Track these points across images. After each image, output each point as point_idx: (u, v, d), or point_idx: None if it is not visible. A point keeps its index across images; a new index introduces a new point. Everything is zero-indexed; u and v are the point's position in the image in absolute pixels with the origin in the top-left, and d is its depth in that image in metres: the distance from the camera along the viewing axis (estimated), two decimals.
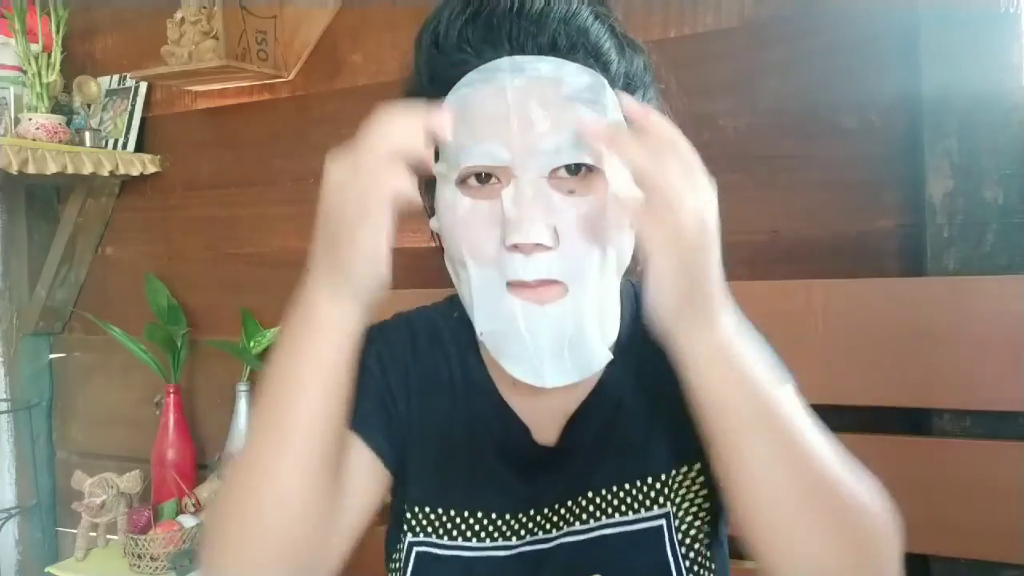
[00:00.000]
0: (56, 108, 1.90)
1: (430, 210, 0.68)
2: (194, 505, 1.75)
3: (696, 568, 0.68)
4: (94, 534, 1.79)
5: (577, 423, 0.71)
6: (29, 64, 1.83)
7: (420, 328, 0.76)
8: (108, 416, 2.13)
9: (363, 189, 0.54)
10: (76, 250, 2.09)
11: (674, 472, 0.69)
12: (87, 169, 1.80)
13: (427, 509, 0.71)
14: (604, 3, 0.66)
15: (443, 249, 0.68)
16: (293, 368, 0.59)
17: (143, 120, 2.00)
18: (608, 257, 0.62)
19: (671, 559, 0.67)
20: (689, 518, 0.68)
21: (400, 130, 0.55)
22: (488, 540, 0.70)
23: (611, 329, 0.65)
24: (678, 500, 0.68)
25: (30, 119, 1.79)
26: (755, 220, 1.38)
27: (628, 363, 0.70)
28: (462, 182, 0.62)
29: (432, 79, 0.64)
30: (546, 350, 0.60)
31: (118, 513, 1.76)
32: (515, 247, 0.59)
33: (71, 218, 2.04)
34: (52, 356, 2.21)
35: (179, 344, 1.86)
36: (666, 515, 0.68)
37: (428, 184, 0.68)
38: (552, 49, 0.61)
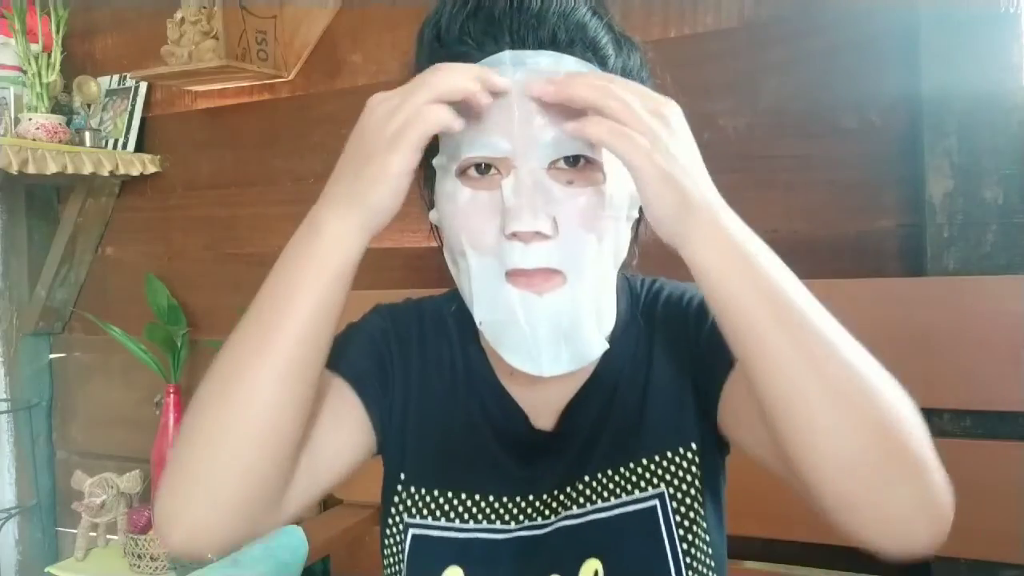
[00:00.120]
0: (56, 108, 1.90)
1: (429, 203, 0.70)
2: None
3: (692, 551, 0.68)
4: (94, 534, 1.79)
5: (574, 410, 0.72)
6: (29, 64, 1.83)
7: (427, 314, 0.78)
8: (108, 416, 2.13)
9: (408, 116, 0.55)
10: (76, 250, 2.09)
11: (669, 454, 0.70)
12: (87, 169, 1.80)
13: (423, 491, 0.72)
14: (601, 2, 0.67)
15: (442, 243, 0.69)
16: (293, 274, 0.59)
17: (143, 120, 2.00)
18: (606, 248, 0.63)
19: (666, 540, 0.68)
20: (688, 500, 0.69)
21: (452, 77, 0.57)
22: (485, 522, 0.71)
23: (607, 320, 0.67)
24: (675, 482, 0.69)
25: (30, 119, 1.79)
26: (755, 220, 1.36)
27: (624, 352, 0.72)
28: (462, 173, 0.63)
29: None
30: (544, 340, 0.62)
31: (118, 513, 1.76)
32: (514, 235, 0.60)
33: (71, 218, 2.04)
34: (52, 356, 2.21)
35: (179, 344, 1.86)
36: (660, 495, 0.69)
37: (427, 178, 0.70)
38: (552, 43, 0.62)
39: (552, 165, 0.61)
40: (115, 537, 1.79)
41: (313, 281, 0.57)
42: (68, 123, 1.90)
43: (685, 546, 0.68)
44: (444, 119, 0.55)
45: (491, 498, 0.71)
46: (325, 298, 0.58)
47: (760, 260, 0.54)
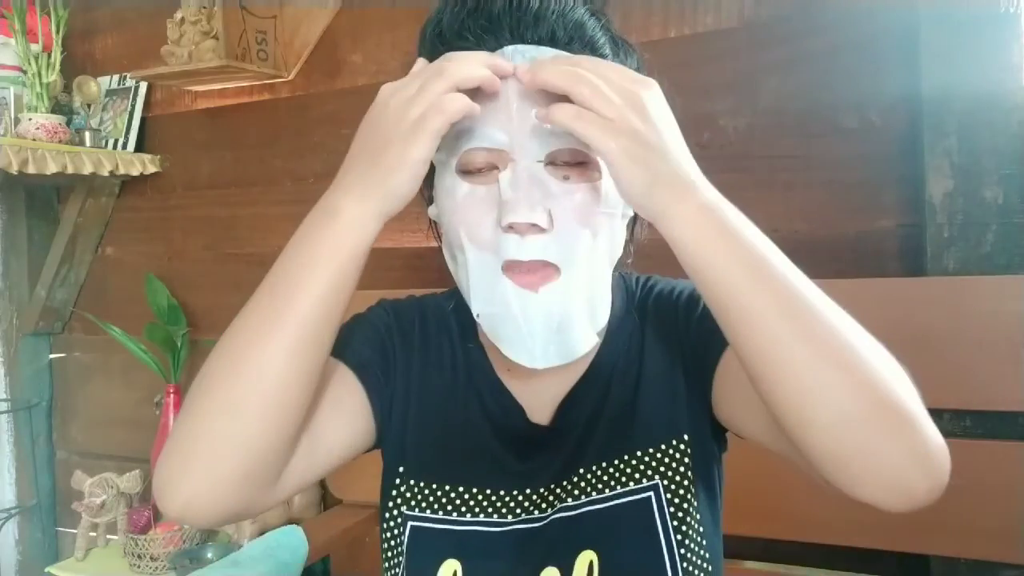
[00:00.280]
0: (56, 108, 1.90)
1: (429, 199, 0.71)
2: None
3: (687, 542, 0.69)
4: (94, 534, 1.79)
5: (570, 404, 0.73)
6: (29, 64, 1.83)
7: (429, 310, 0.79)
8: (108, 416, 2.13)
9: (428, 104, 0.57)
10: (76, 250, 2.09)
11: (663, 447, 0.71)
12: (87, 169, 1.81)
13: (422, 484, 0.73)
14: (599, 3, 0.68)
15: (441, 238, 0.70)
16: (307, 255, 0.59)
17: (143, 120, 2.00)
18: (600, 244, 0.64)
19: (660, 532, 0.68)
20: (681, 492, 0.70)
21: (467, 65, 0.58)
22: (483, 516, 0.71)
23: (601, 316, 0.68)
24: (669, 474, 0.70)
25: (30, 119, 1.79)
26: (755, 220, 1.36)
27: (618, 347, 0.74)
28: (461, 170, 0.64)
29: None
30: (538, 333, 0.63)
31: (118, 513, 1.76)
32: (511, 227, 0.61)
33: (71, 218, 2.04)
34: (52, 356, 2.22)
35: (179, 344, 1.86)
36: (654, 487, 0.69)
37: (427, 175, 0.70)
38: (551, 41, 0.64)
39: (549, 160, 0.62)
40: (115, 537, 1.79)
41: (328, 261, 0.58)
42: (68, 123, 1.90)
43: (679, 537, 0.68)
44: (464, 106, 0.57)
45: (489, 492, 0.72)
46: (338, 279, 0.58)
47: (736, 226, 0.55)
